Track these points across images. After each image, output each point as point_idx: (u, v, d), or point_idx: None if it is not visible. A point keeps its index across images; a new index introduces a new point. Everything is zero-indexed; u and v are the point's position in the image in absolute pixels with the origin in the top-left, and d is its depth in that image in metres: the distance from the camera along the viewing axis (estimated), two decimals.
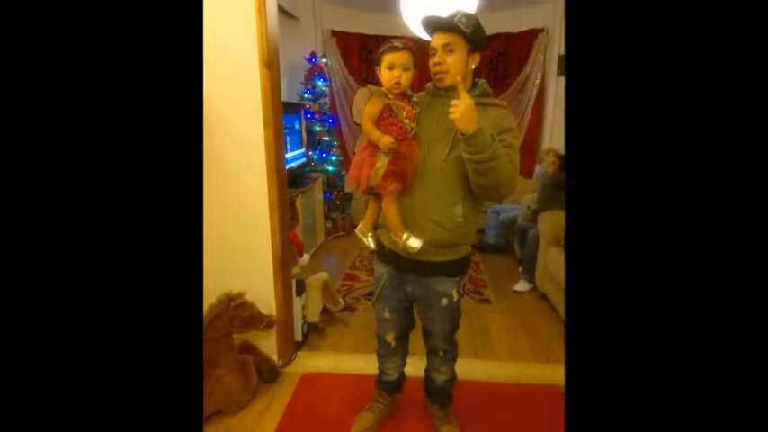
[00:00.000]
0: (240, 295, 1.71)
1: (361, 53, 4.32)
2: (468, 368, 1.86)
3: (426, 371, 1.57)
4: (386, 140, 1.19)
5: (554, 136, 4.13)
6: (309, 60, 3.88)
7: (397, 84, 1.20)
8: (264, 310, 1.80)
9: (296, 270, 2.28)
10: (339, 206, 4.19)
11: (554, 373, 1.92)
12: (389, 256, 1.37)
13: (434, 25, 1.21)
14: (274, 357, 1.93)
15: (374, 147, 1.24)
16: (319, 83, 3.91)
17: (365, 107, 1.22)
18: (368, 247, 1.43)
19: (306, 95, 3.88)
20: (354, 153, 1.33)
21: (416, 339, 1.56)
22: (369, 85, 1.25)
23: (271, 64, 1.69)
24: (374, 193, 1.29)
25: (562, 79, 3.90)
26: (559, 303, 2.48)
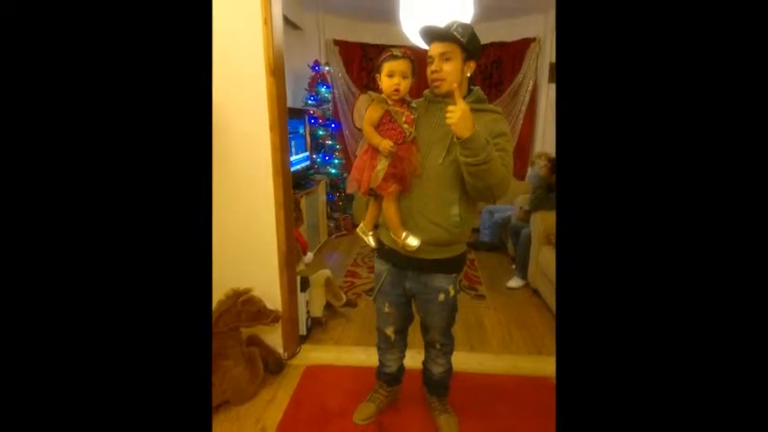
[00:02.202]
0: (247, 291, 1.72)
1: (362, 61, 4.31)
2: (463, 360, 1.87)
3: (424, 363, 1.57)
4: (386, 144, 1.19)
5: (545, 140, 4.12)
6: (313, 68, 3.88)
7: (397, 90, 1.20)
8: (270, 306, 1.80)
9: (300, 267, 2.28)
10: (341, 207, 4.20)
11: (545, 365, 1.92)
12: (389, 254, 1.37)
13: (432, 35, 1.21)
14: (280, 350, 1.93)
15: (375, 150, 1.24)
16: (322, 89, 3.91)
17: (366, 113, 1.23)
18: (368, 246, 1.43)
19: (309, 101, 3.88)
20: (356, 156, 1.33)
21: (415, 333, 1.56)
22: (369, 92, 1.25)
23: (276, 72, 1.69)
24: (374, 195, 1.29)
25: (553, 86, 3.90)
26: (551, 299, 2.48)
